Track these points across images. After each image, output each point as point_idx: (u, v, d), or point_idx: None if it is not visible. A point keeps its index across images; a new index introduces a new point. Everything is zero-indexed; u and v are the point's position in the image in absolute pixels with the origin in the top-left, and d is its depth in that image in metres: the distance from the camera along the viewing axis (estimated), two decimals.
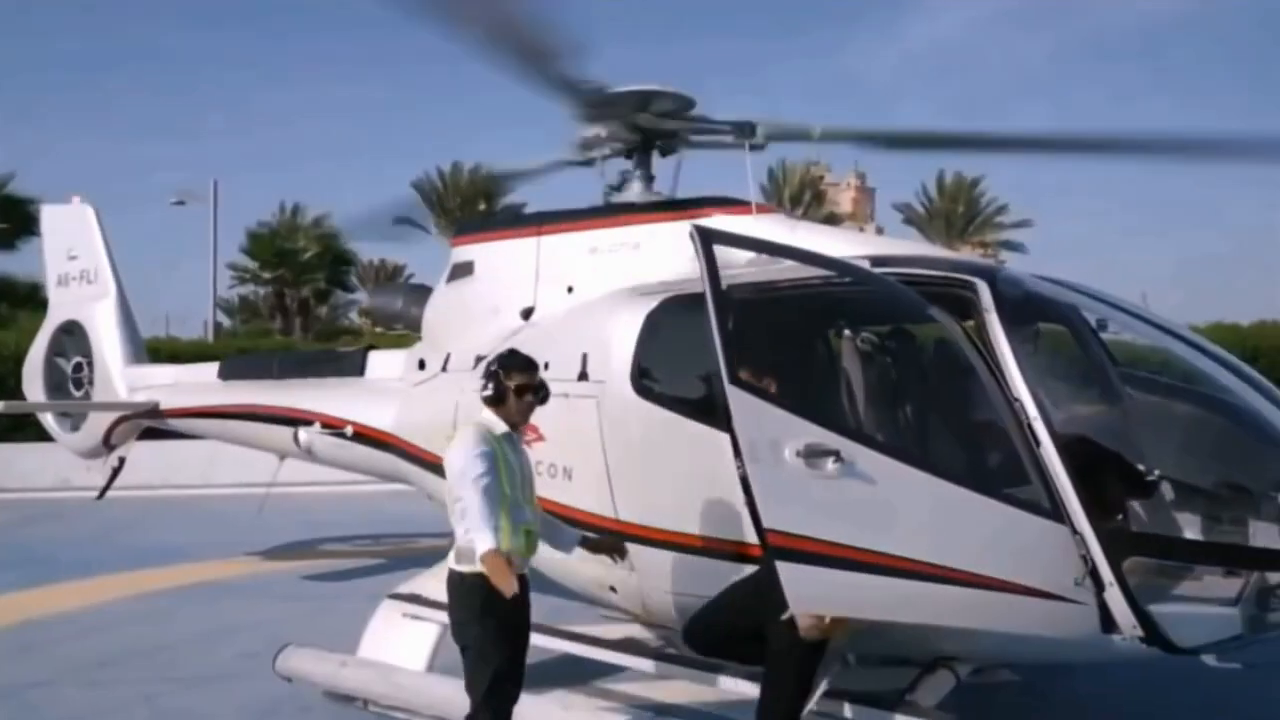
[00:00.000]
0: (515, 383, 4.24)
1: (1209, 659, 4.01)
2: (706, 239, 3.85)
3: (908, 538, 3.62)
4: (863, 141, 5.99)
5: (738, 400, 3.59)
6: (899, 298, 4.31)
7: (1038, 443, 3.90)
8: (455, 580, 4.17)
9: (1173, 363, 4.58)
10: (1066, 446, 3.91)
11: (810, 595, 3.66)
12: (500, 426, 4.22)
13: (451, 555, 4.21)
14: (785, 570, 3.56)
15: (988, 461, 4.12)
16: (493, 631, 4.11)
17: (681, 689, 5.38)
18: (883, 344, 4.45)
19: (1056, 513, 3.81)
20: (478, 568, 4.05)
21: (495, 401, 4.25)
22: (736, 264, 4.74)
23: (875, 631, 4.23)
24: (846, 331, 4.35)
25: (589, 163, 6.31)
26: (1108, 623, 3.85)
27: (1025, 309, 4.32)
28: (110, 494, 11.17)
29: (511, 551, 4.10)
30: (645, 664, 5.24)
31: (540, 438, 5.38)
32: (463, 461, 4.09)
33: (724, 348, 3.65)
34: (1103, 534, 3.82)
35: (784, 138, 6.02)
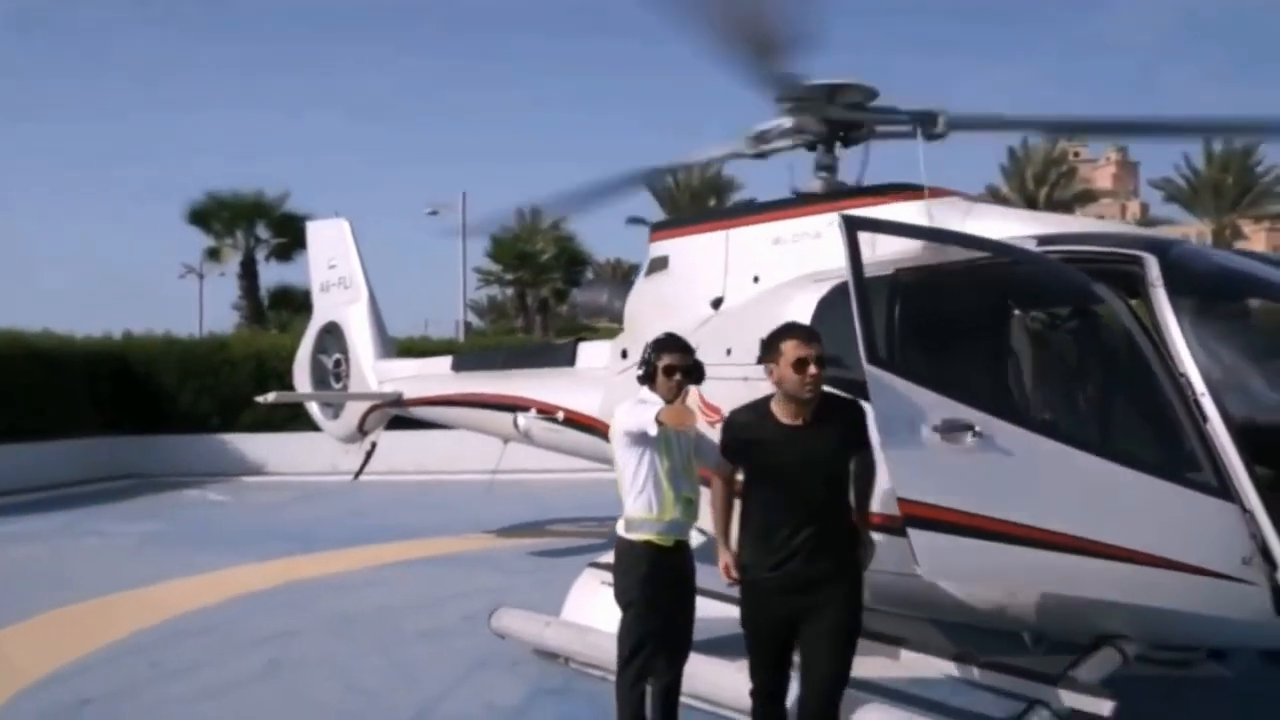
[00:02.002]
0: (664, 362, 4.51)
1: None
2: (851, 226, 4.00)
3: (1045, 509, 3.63)
4: (1047, 129, 5.91)
5: (875, 379, 3.74)
6: (1056, 275, 4.28)
7: (1205, 419, 3.80)
8: (623, 547, 4.52)
9: None
10: (1236, 423, 3.78)
11: (941, 562, 3.76)
12: (657, 403, 4.49)
13: (620, 523, 4.56)
14: (917, 537, 3.68)
15: (1145, 436, 4.03)
16: (651, 596, 4.41)
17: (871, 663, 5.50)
18: (1036, 322, 4.43)
19: (1224, 490, 3.70)
20: (643, 535, 4.39)
21: (646, 379, 4.55)
22: (910, 250, 4.83)
23: (1034, 609, 4.25)
24: (996, 310, 4.36)
25: (762, 155, 6.53)
26: None
27: (1198, 284, 4.17)
28: (368, 477, 12.49)
29: (675, 518, 4.41)
30: None
31: (722, 418, 5.66)
32: (619, 430, 4.45)
33: (863, 328, 3.80)
34: (1275, 510, 3.68)
35: (966, 127, 6.02)
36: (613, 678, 5.66)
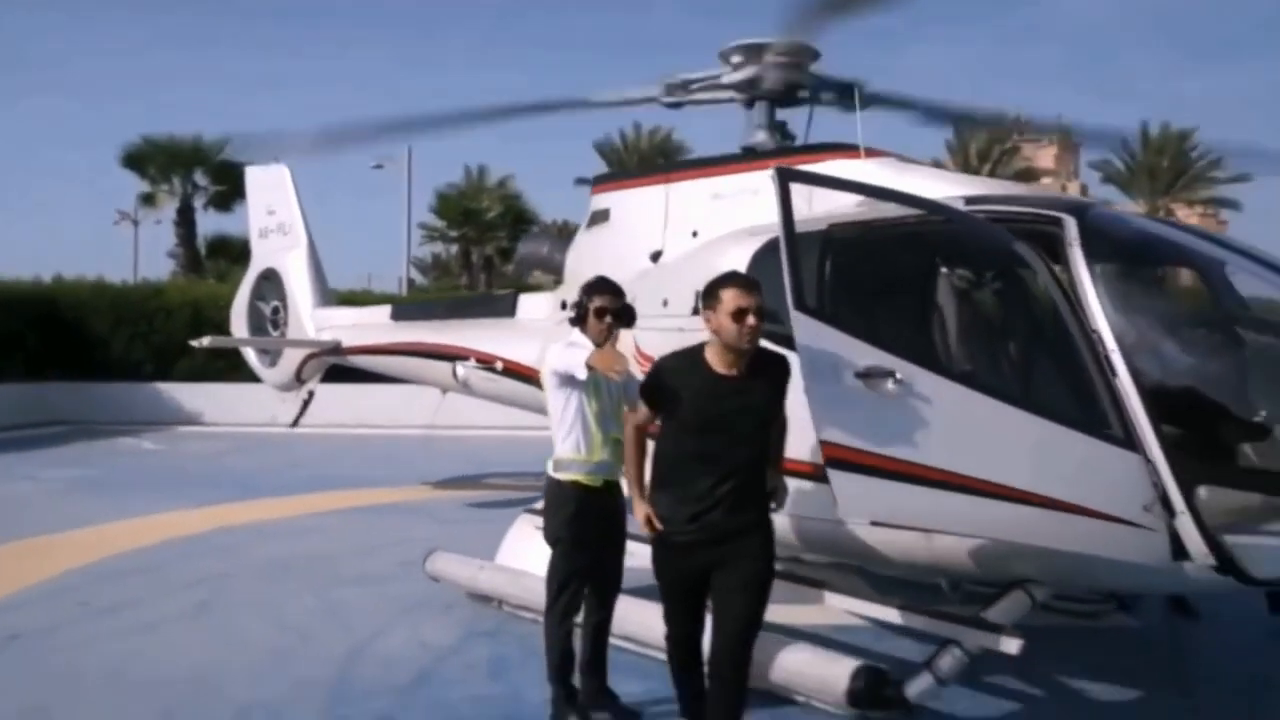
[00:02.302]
0: (595, 304, 4.55)
1: None
2: (783, 177, 4.10)
3: (960, 455, 3.79)
4: (953, 119, 6.13)
5: (801, 324, 3.85)
6: (980, 233, 4.42)
7: (1114, 373, 3.97)
8: (551, 486, 4.60)
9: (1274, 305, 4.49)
10: (1142, 379, 3.97)
11: (859, 504, 3.92)
12: (588, 345, 4.54)
13: (550, 464, 4.64)
14: (837, 479, 3.83)
15: (1056, 388, 4.20)
16: (578, 534, 4.51)
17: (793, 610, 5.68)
18: (959, 277, 4.58)
19: (1128, 440, 3.87)
20: (571, 475, 4.49)
21: (578, 321, 4.61)
22: (847, 206, 4.96)
23: (949, 554, 4.44)
24: (919, 265, 4.51)
25: (678, 105, 6.69)
26: (1179, 550, 3.90)
27: (1112, 245, 4.34)
28: (307, 430, 12.39)
29: (603, 459, 4.51)
30: None
31: None
32: (549, 371, 4.53)
33: (791, 277, 3.90)
34: (1175, 462, 3.88)
35: (881, 104, 6.30)
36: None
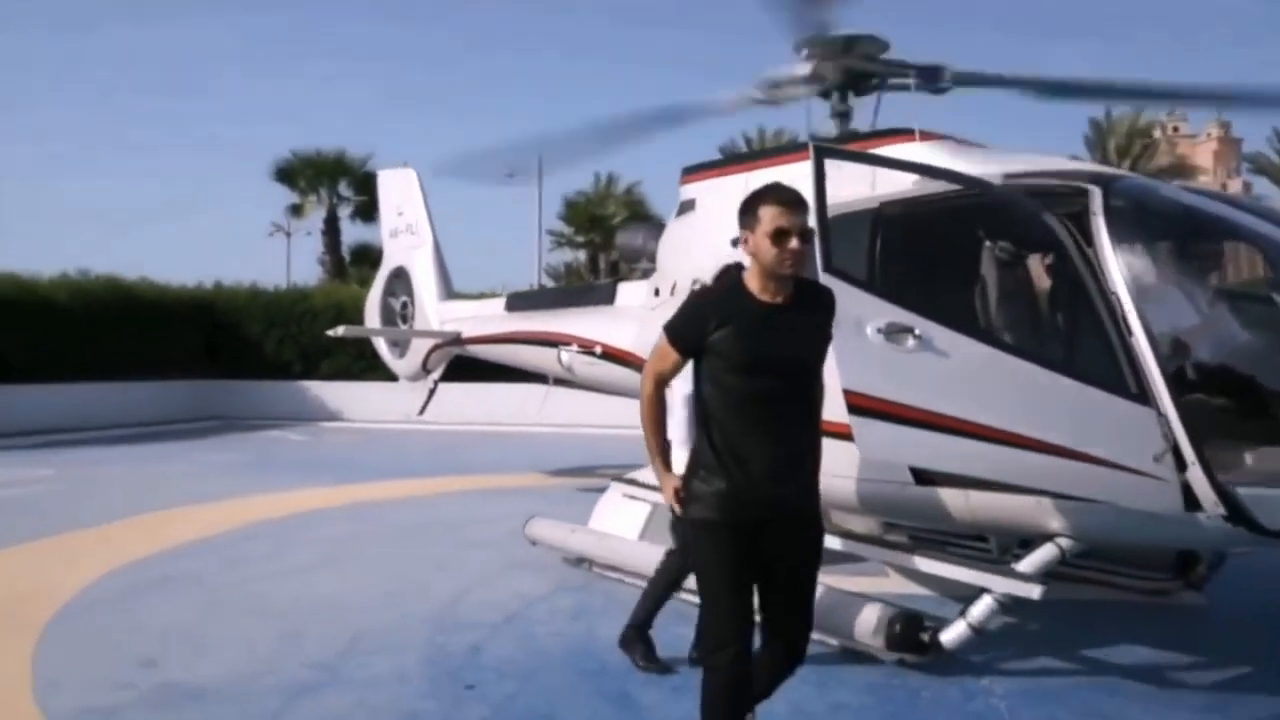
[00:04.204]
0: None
1: None
2: (819, 153, 4.54)
3: (976, 405, 4.15)
4: (1046, 90, 6.28)
5: (830, 285, 4.28)
6: (1006, 202, 4.74)
7: (1130, 332, 4.26)
8: None
9: None
10: (1157, 338, 4.25)
11: (879, 447, 4.32)
12: None
13: None
14: (858, 424, 4.24)
15: (1073, 346, 4.50)
16: None
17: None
18: (987, 244, 4.90)
19: (1142, 395, 4.16)
20: None
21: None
22: (905, 186, 5.33)
23: (984, 510, 4.77)
24: (952, 234, 4.86)
25: (775, 102, 7.04)
26: (1191, 501, 4.15)
27: (1134, 214, 4.58)
28: (440, 425, 13.24)
29: None
30: None
31: None
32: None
33: (821, 242, 4.33)
34: (1186, 416, 4.14)
35: (969, 83, 6.50)
36: (627, 579, 6.38)
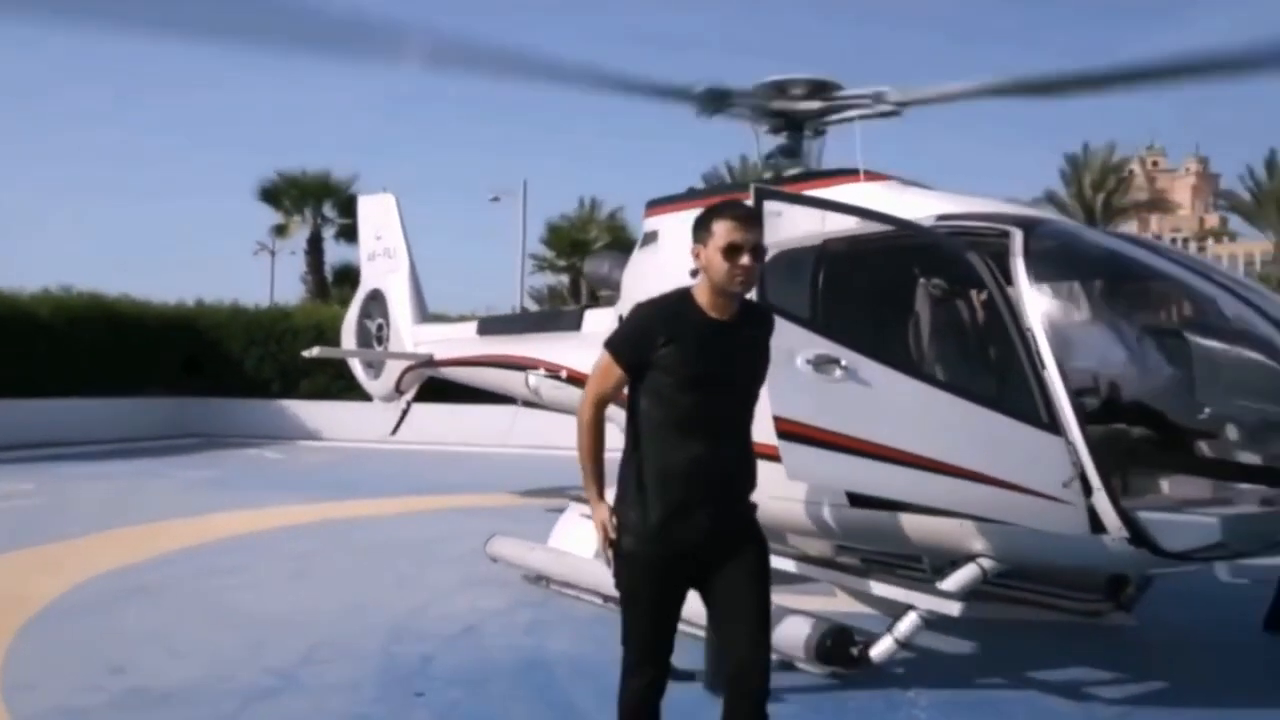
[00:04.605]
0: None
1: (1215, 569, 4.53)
2: (759, 194, 4.86)
3: (897, 432, 4.45)
4: (999, 94, 6.42)
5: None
6: (935, 244, 5.07)
7: (1042, 366, 4.57)
8: None
9: (1204, 313, 4.95)
10: (1068, 372, 4.56)
11: (806, 470, 4.61)
12: None
13: None
14: (785, 448, 4.53)
15: (989, 378, 4.81)
16: None
17: None
18: (913, 281, 5.22)
19: (1052, 425, 4.47)
20: None
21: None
22: (850, 224, 5.63)
23: (912, 531, 5.07)
24: (881, 271, 5.17)
25: (709, 114, 7.02)
26: (1096, 524, 4.46)
27: (1051, 256, 4.92)
28: (415, 448, 13.44)
29: None
30: None
31: None
32: None
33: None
34: (1093, 445, 4.45)
35: (917, 102, 6.71)
36: (583, 596, 6.63)
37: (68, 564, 7.78)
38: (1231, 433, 4.71)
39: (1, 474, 13.90)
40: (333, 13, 4.81)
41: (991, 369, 4.82)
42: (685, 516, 3.10)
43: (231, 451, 18.47)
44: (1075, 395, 4.54)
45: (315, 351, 12.29)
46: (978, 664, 5.55)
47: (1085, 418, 4.51)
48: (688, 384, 3.10)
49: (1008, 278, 4.82)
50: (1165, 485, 4.70)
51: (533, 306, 48.84)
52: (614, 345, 3.24)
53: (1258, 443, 4.68)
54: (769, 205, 4.95)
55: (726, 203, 3.30)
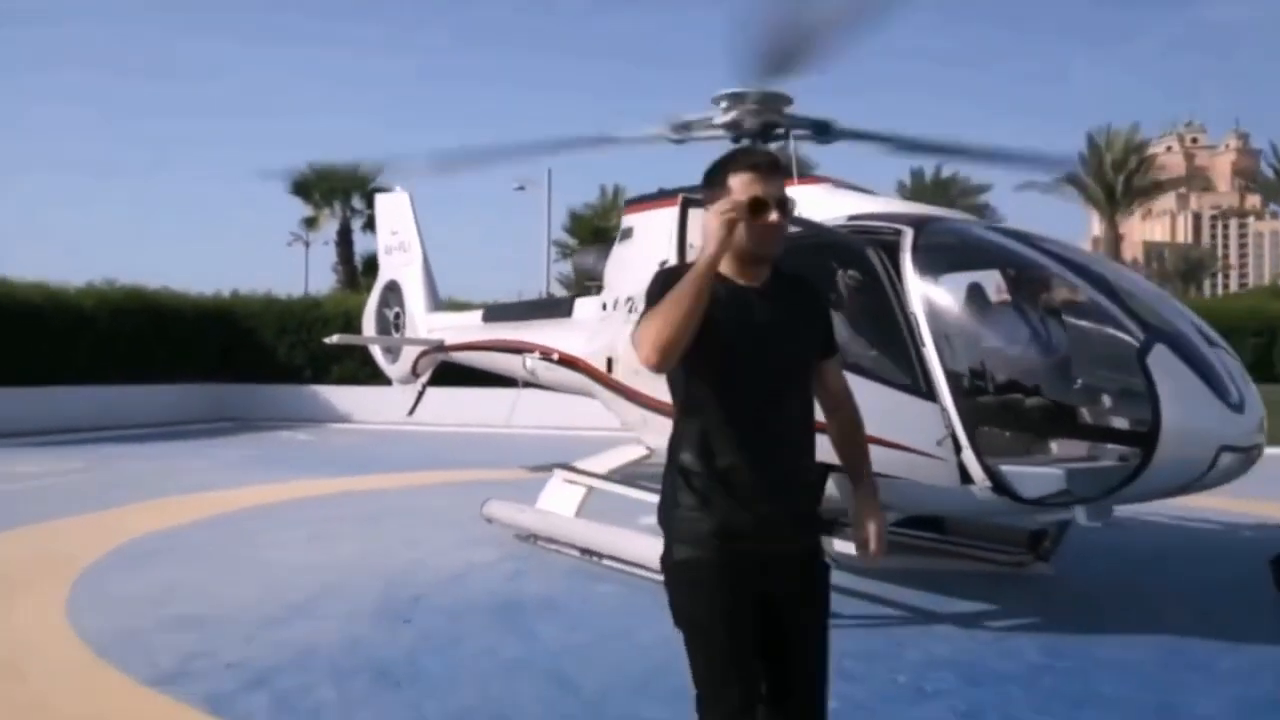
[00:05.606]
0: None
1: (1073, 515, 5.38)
2: (685, 205, 5.74)
3: None
4: (917, 149, 7.37)
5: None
6: (837, 242, 5.93)
7: (922, 344, 5.44)
8: None
9: (1078, 302, 5.71)
10: (943, 349, 5.42)
11: None
12: None
13: None
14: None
15: (879, 356, 5.66)
16: None
17: None
18: (817, 273, 6.08)
19: (929, 394, 5.35)
20: None
21: None
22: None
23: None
24: (792, 265, 6.04)
25: (681, 141, 8.13)
26: (965, 477, 5.33)
27: (935, 252, 5.75)
28: (428, 429, 14.25)
29: None
30: None
31: None
32: None
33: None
34: (960, 409, 5.31)
35: (851, 137, 7.64)
36: (563, 550, 7.59)
37: (116, 527, 8.85)
38: (1085, 398, 5.56)
39: (52, 454, 15.11)
40: None
41: (884, 349, 5.68)
42: (742, 520, 2.56)
43: (265, 434, 19.62)
44: (949, 369, 5.40)
45: (336, 339, 13.34)
46: (896, 608, 6.34)
47: (958, 387, 5.38)
48: (729, 361, 2.57)
49: (898, 269, 5.68)
50: (1030, 444, 5.55)
51: (560, 292, 49.94)
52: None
53: (1105, 406, 5.53)
54: (694, 212, 5.82)
55: (741, 150, 2.81)
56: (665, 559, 2.65)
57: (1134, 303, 5.47)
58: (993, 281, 6.08)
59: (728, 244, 2.52)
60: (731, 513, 2.56)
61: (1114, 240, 45.83)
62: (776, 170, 2.67)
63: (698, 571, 2.58)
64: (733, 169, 2.64)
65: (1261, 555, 6.94)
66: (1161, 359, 5.07)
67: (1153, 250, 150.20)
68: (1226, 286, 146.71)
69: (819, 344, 2.79)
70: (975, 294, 5.94)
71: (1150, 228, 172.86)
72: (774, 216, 2.60)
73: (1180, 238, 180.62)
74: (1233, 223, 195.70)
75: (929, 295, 5.58)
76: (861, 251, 5.78)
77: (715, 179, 2.68)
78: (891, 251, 5.76)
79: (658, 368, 2.48)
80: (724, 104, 8.10)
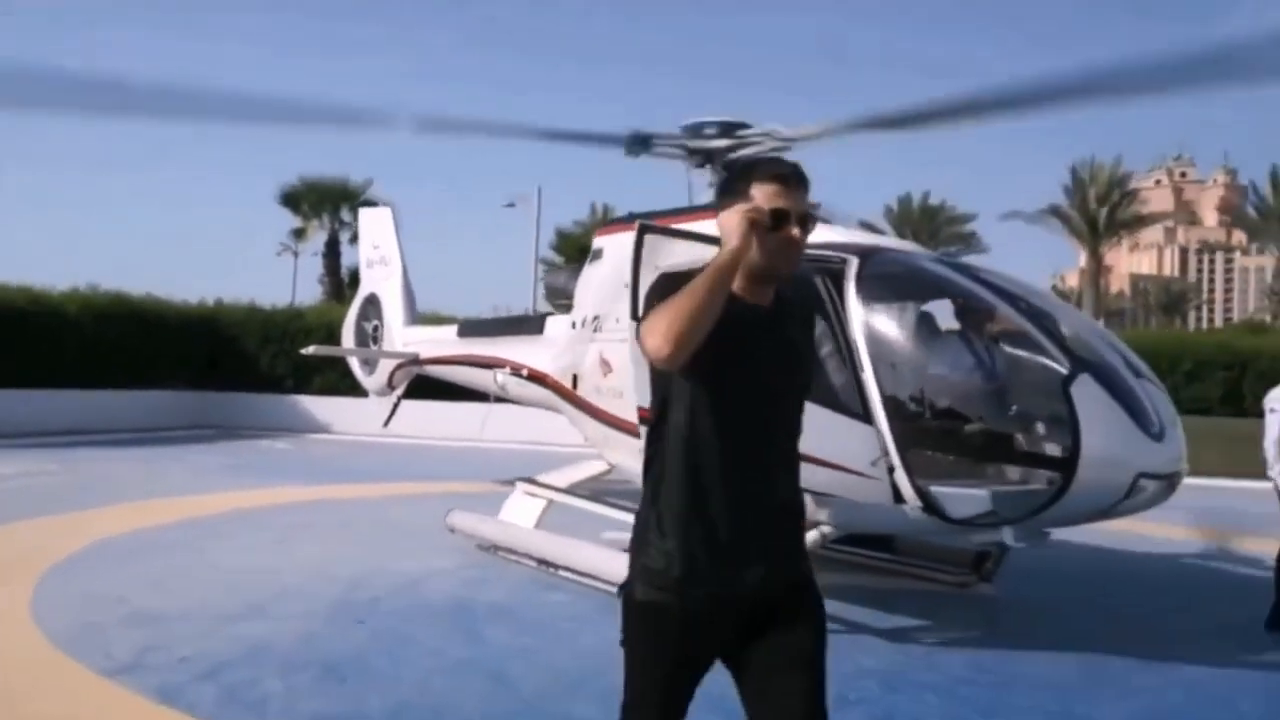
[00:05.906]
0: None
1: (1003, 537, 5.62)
2: (641, 231, 6.00)
3: None
4: (875, 126, 7.38)
5: (635, 330, 5.69)
6: None
7: (861, 369, 5.70)
8: None
9: (1013, 332, 5.94)
10: (880, 375, 5.68)
11: None
12: None
13: None
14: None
15: (821, 380, 5.90)
16: None
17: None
18: None
19: (865, 417, 5.61)
20: None
21: None
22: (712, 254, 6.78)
23: None
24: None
25: (636, 155, 8.26)
26: (898, 496, 5.58)
27: (876, 281, 6.01)
28: (404, 441, 14.46)
29: None
30: None
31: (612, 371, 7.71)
32: None
33: (632, 295, 5.77)
34: (895, 432, 5.57)
35: (804, 139, 7.77)
36: (522, 560, 7.80)
37: (86, 528, 9.03)
38: (1015, 424, 5.82)
39: (28, 456, 15.24)
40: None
41: (825, 373, 5.93)
42: (722, 558, 2.42)
43: (245, 442, 19.77)
44: (886, 394, 5.66)
45: (313, 349, 13.54)
46: (850, 623, 6.45)
47: (894, 411, 5.64)
48: (724, 382, 2.43)
49: (842, 296, 5.94)
50: (961, 467, 5.80)
51: (548, 307, 50.28)
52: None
53: (1034, 433, 5.79)
54: (650, 239, 6.08)
55: (765, 160, 2.66)
56: (627, 589, 2.52)
57: (1065, 334, 5.75)
58: (936, 311, 6.34)
59: (749, 242, 2.40)
60: (705, 561, 2.40)
61: (1096, 272, 46.41)
62: (802, 184, 2.51)
63: (655, 620, 2.45)
64: (757, 178, 2.50)
65: (1210, 583, 7.23)
66: (1085, 388, 5.35)
67: (1138, 282, 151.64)
68: (1211, 320, 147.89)
69: (810, 376, 2.72)
70: (915, 322, 6.20)
71: (1137, 260, 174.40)
72: (795, 232, 2.46)
73: (1167, 270, 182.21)
74: (1218, 257, 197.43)
75: (870, 322, 5.84)
76: (808, 278, 6.04)
77: (738, 186, 2.53)
78: (837, 279, 6.03)
79: (670, 360, 2.30)
80: (690, 132, 8.37)
